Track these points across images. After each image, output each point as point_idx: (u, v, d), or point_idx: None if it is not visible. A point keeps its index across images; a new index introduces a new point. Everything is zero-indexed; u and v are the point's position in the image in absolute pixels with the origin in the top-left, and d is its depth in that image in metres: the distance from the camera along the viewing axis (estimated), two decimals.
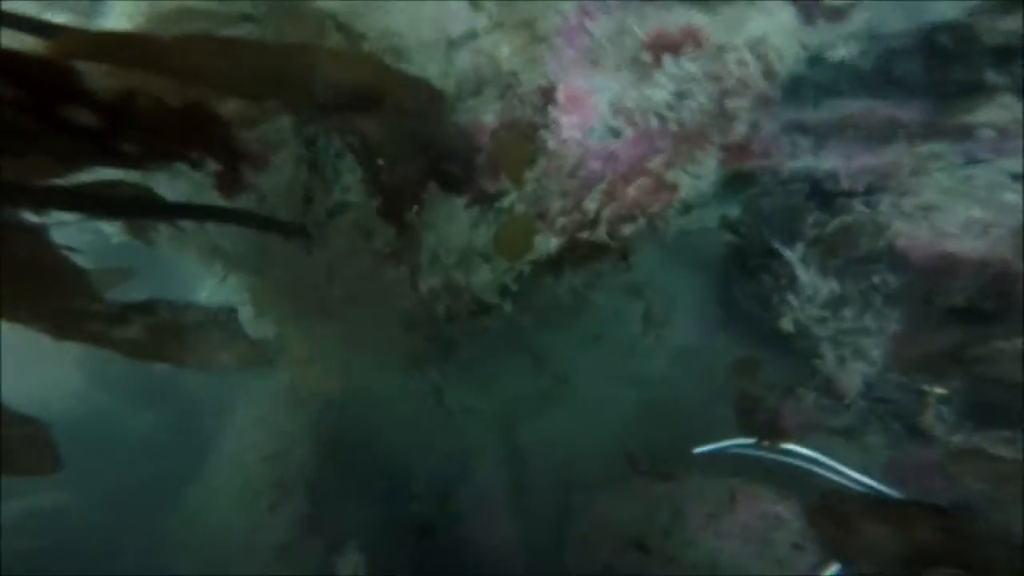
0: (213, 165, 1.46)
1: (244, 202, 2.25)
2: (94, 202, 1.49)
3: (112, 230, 2.24)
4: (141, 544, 4.22)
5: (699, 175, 1.91)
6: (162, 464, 4.74)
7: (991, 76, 2.75)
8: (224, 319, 1.93)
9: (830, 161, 2.87)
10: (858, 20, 2.49)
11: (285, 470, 3.79)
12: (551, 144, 1.77)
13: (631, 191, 1.84)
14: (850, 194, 2.90)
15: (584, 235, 1.87)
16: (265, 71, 1.48)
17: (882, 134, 2.84)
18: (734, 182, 2.46)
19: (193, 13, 1.81)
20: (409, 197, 1.81)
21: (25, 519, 4.28)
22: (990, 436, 2.56)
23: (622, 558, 2.76)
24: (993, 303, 2.56)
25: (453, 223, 1.91)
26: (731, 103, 1.91)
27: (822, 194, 3.00)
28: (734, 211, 3.74)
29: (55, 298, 1.59)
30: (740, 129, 1.93)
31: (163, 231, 2.19)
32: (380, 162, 1.70)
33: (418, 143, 1.72)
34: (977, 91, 2.79)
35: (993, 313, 2.56)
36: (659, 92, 1.76)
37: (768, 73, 1.96)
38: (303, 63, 1.53)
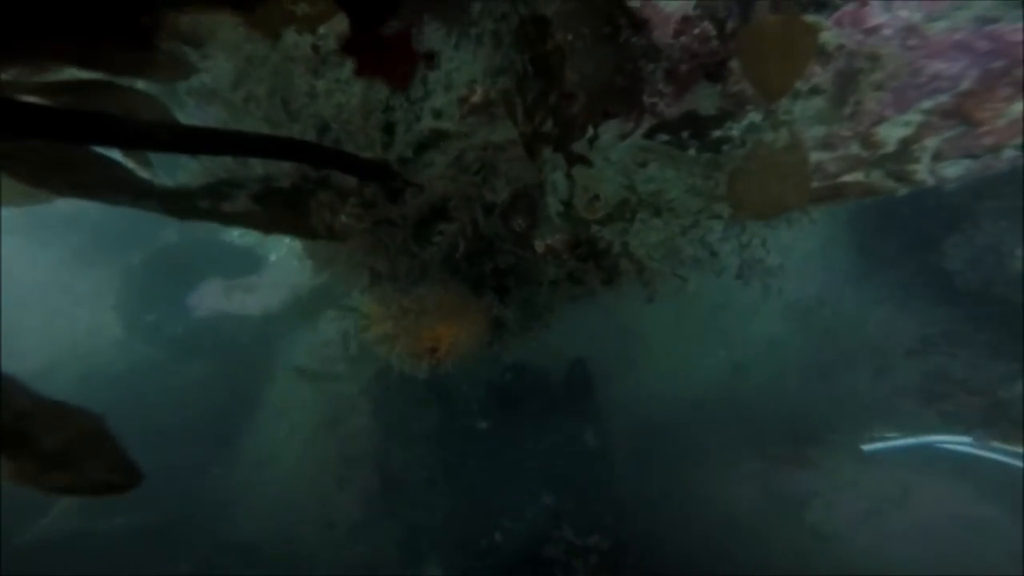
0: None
1: (297, 131, 1.71)
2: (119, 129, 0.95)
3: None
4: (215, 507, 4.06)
5: None
6: (220, 414, 4.54)
7: None
8: None
9: None
10: None
11: (350, 441, 3.45)
12: (830, 37, 1.07)
13: (988, 109, 1.16)
14: None
15: (852, 177, 1.25)
16: None
17: None
18: None
19: None
20: (587, 119, 1.20)
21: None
22: None
23: (742, 552, 2.32)
24: None
25: (600, 159, 1.33)
26: None
27: None
28: None
29: None
30: None
31: None
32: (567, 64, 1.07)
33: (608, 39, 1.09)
34: None
35: None
36: None
37: None
38: None
